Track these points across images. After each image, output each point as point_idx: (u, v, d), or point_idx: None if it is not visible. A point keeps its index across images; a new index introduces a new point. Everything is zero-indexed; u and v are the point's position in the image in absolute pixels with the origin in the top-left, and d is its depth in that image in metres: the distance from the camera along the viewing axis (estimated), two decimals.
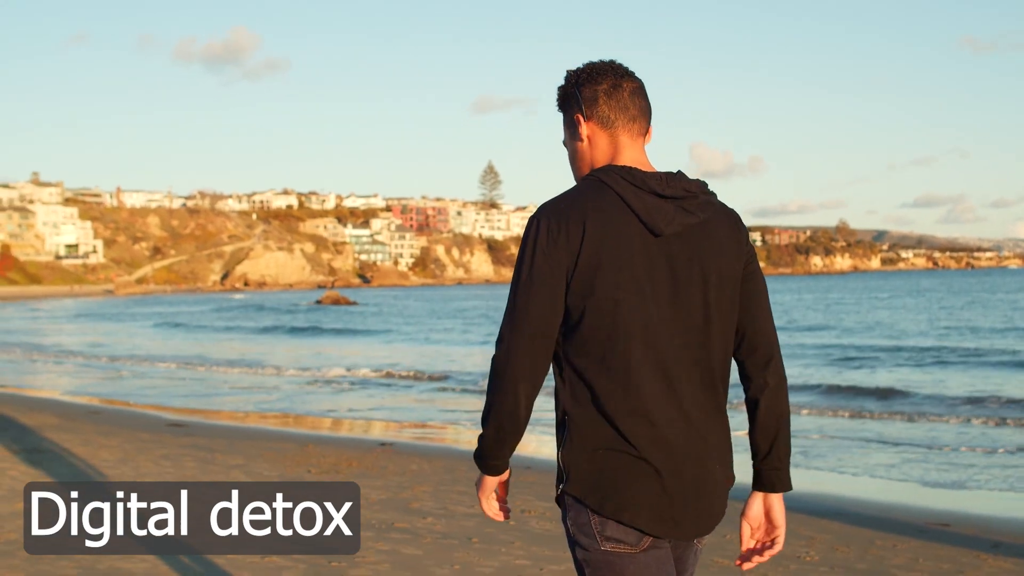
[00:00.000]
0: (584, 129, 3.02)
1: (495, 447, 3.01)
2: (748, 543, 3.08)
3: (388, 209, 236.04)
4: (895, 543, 8.15)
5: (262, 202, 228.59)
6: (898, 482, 11.43)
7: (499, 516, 3.16)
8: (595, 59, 3.07)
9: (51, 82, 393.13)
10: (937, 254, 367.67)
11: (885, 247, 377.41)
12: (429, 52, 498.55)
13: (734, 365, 3.08)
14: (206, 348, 39.21)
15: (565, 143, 3.13)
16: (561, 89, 3.09)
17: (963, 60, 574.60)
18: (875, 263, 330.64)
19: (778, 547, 3.03)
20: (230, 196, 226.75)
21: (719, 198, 3.03)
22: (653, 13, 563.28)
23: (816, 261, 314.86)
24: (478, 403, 19.88)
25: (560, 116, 3.14)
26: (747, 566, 3.06)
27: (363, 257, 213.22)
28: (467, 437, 15.39)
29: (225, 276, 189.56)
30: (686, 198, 2.91)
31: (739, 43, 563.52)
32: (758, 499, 3.05)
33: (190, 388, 22.90)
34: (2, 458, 11.25)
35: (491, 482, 3.10)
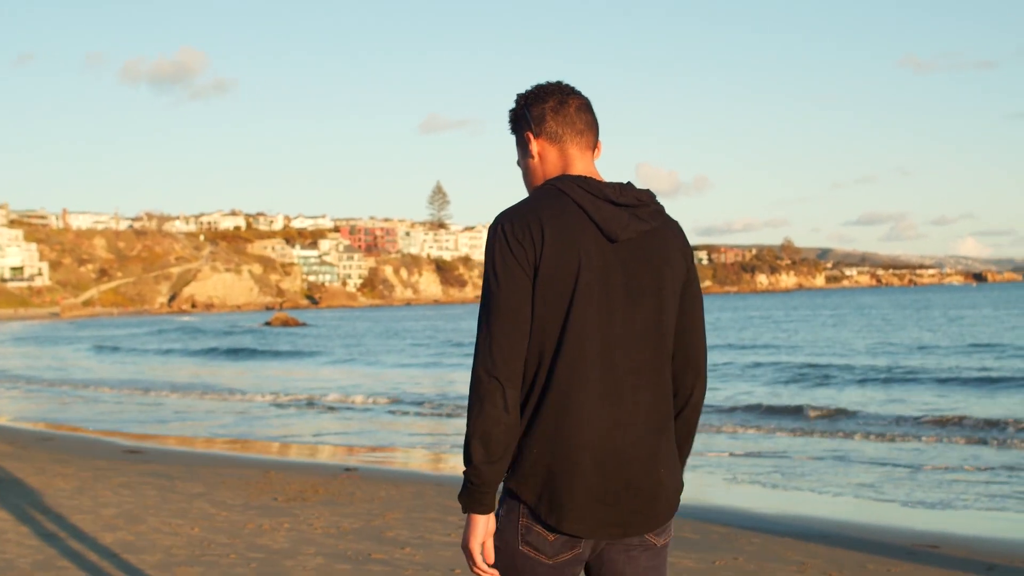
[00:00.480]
0: (534, 146, 3.10)
1: (485, 469, 2.88)
2: None
3: (336, 230, 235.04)
4: (888, 567, 7.90)
5: (209, 223, 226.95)
6: (881, 502, 11.18)
7: (493, 573, 2.97)
8: (543, 81, 3.16)
9: None
10: (880, 271, 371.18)
11: (829, 265, 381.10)
12: (377, 72, 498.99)
13: None
14: (152, 371, 38.57)
15: (519, 163, 3.19)
16: (512, 112, 3.18)
17: (905, 79, 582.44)
18: (820, 281, 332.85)
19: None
20: (177, 217, 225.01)
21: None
22: (599, 33, 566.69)
23: (761, 279, 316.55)
24: (439, 426, 19.54)
25: (513, 139, 3.21)
26: None
27: (311, 278, 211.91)
28: (431, 461, 15.08)
29: (172, 298, 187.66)
30: (638, 206, 2.99)
31: (684, 63, 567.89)
32: None
33: (143, 413, 22.39)
34: None
35: (482, 523, 2.94)
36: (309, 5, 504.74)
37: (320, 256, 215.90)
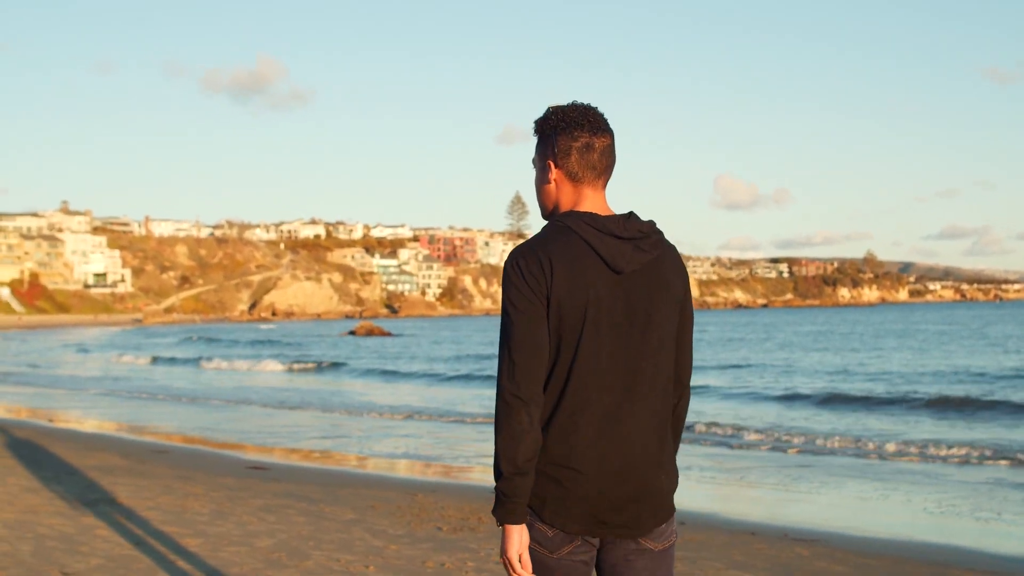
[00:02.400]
0: (553, 175, 3.30)
1: (516, 480, 3.11)
2: None
3: (415, 239, 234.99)
4: None
5: (290, 232, 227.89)
6: None
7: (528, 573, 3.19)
8: (578, 101, 3.32)
9: (80, 110, 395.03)
10: (965, 286, 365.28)
11: (912, 279, 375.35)
12: (455, 83, 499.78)
13: None
14: (250, 381, 37.73)
15: (534, 163, 3.40)
16: (539, 124, 3.34)
17: (987, 91, 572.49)
18: (903, 295, 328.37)
19: None
20: (258, 226, 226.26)
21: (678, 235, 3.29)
22: (680, 45, 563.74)
23: (843, 292, 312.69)
24: None
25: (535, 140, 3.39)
26: None
27: (390, 287, 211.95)
28: None
29: (253, 306, 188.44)
30: (641, 238, 3.21)
31: (765, 75, 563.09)
32: None
33: (256, 425, 21.32)
34: (78, 513, 9.69)
35: (517, 533, 3.16)
36: (386, 16, 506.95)
37: (399, 265, 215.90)
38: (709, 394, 27.95)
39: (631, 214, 3.26)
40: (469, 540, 8.75)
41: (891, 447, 16.79)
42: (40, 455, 13.97)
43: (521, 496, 3.13)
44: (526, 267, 3.14)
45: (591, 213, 3.22)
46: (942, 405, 23.28)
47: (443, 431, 19.81)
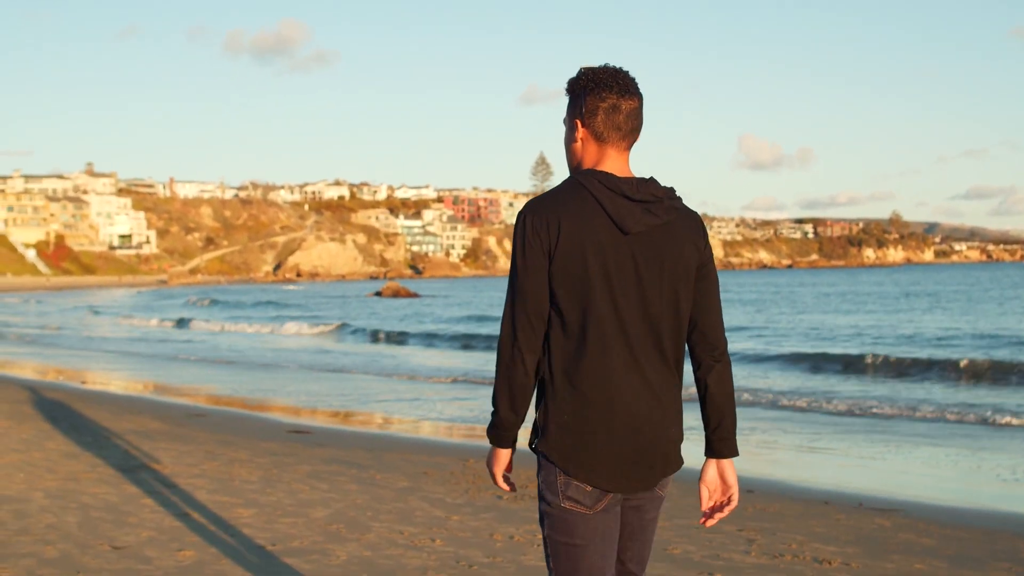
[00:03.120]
0: (580, 133, 3.38)
1: (509, 417, 3.34)
2: (707, 504, 3.46)
3: (440, 200, 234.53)
4: None
5: (314, 193, 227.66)
6: None
7: (507, 487, 3.47)
8: (609, 64, 3.38)
9: (104, 74, 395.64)
10: (991, 247, 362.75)
11: (937, 239, 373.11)
12: (478, 43, 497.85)
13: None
14: (276, 343, 37.38)
15: (564, 122, 3.47)
16: (571, 84, 3.41)
17: (1013, 51, 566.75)
18: (928, 256, 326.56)
19: (734, 503, 3.44)
20: (282, 187, 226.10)
21: (684, 202, 3.39)
22: (701, 5, 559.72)
23: (868, 253, 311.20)
24: None
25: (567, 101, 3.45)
26: (710, 523, 3.45)
27: (415, 248, 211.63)
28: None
29: (278, 267, 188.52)
30: (653, 202, 3.27)
31: (789, 35, 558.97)
32: (712, 465, 3.45)
33: (288, 388, 20.92)
34: (121, 481, 9.28)
35: (504, 455, 3.43)
36: None
37: (423, 226, 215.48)
38: (746, 359, 27.41)
39: (651, 179, 3.33)
40: (532, 510, 8.30)
41: (950, 415, 16.20)
42: (76, 419, 13.59)
43: (511, 429, 3.35)
44: (533, 223, 3.25)
45: (608, 173, 3.29)
46: (987, 370, 22.62)
47: (486, 392, 19.36)
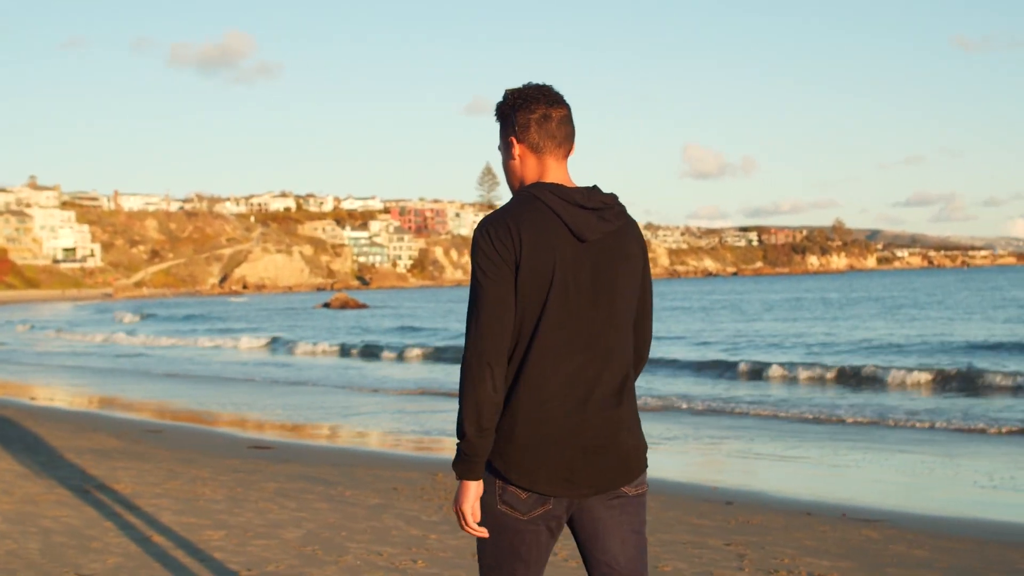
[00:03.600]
0: (516, 150, 3.41)
1: (477, 441, 3.22)
2: None
3: (386, 211, 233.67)
4: None
5: (260, 205, 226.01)
6: None
7: (482, 532, 3.33)
8: (532, 82, 3.44)
9: (47, 86, 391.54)
10: (932, 253, 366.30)
11: (880, 246, 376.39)
12: (423, 54, 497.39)
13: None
14: (222, 357, 36.84)
15: (500, 148, 3.51)
16: (499, 107, 3.46)
17: (954, 59, 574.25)
18: (871, 262, 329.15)
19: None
20: (228, 199, 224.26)
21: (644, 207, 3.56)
22: (644, 14, 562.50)
23: (812, 260, 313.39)
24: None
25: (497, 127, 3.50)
26: None
27: (362, 259, 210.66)
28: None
29: (224, 279, 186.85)
30: (603, 209, 3.33)
31: (730, 43, 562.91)
32: None
33: (240, 401, 20.49)
34: (82, 502, 8.91)
35: (473, 488, 3.29)
36: None
37: (370, 237, 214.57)
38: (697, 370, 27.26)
39: (595, 187, 3.37)
40: None
41: (919, 423, 16.07)
42: (28, 437, 13.16)
43: (481, 455, 3.24)
44: (495, 234, 3.23)
45: (556, 184, 3.33)
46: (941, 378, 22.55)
47: (446, 404, 19.03)
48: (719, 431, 15.04)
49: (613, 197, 3.39)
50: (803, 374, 23.86)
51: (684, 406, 18.33)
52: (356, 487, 9.94)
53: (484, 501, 3.30)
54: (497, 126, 3.49)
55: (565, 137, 3.41)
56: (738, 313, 61.75)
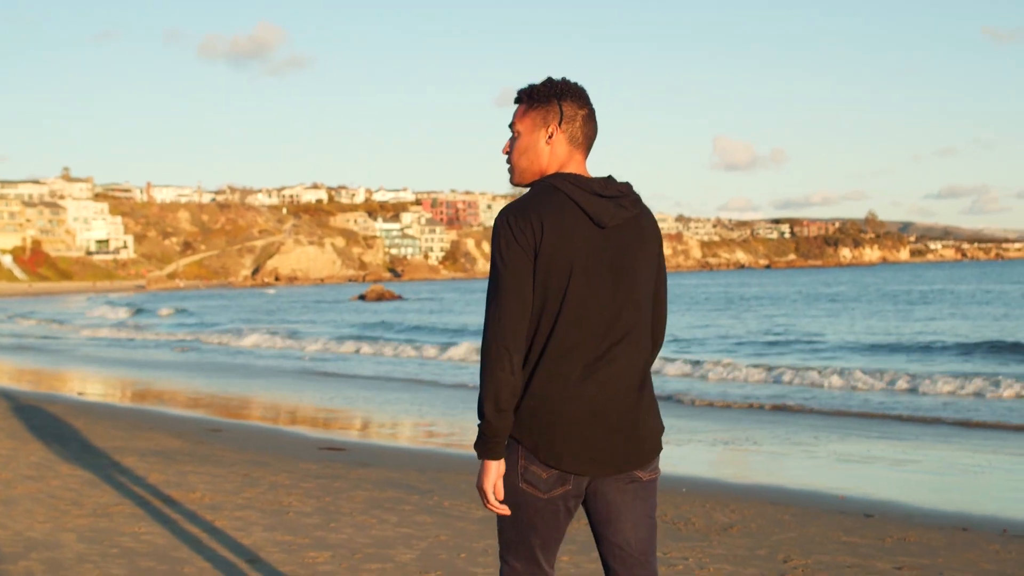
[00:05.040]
0: (555, 138, 3.45)
1: (496, 422, 3.29)
2: None
3: (418, 203, 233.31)
4: None
5: (292, 196, 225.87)
6: None
7: (504, 509, 3.39)
8: (571, 79, 3.50)
9: (80, 78, 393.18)
10: (966, 245, 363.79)
11: (912, 239, 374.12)
12: (454, 46, 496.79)
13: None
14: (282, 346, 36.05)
15: (512, 127, 3.52)
16: (540, 91, 3.46)
17: (985, 50, 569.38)
18: (904, 255, 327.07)
19: None
20: (260, 191, 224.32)
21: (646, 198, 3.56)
22: (673, 6, 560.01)
23: (845, 253, 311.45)
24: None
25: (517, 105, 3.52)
26: None
27: (393, 251, 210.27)
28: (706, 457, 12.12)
29: (256, 271, 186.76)
30: (620, 197, 3.41)
31: (759, 35, 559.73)
32: None
33: (293, 397, 19.64)
34: (160, 517, 8.04)
35: (495, 467, 3.35)
36: None
37: (402, 229, 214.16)
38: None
39: (609, 176, 3.46)
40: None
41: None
42: (84, 438, 12.32)
43: (501, 435, 3.31)
44: (516, 223, 3.30)
45: (575, 174, 3.42)
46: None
47: None
48: (812, 431, 14.06)
49: (628, 186, 3.48)
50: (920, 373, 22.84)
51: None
52: (453, 497, 9.03)
53: (506, 480, 3.37)
54: (521, 107, 3.50)
55: (594, 136, 3.54)
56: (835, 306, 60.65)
